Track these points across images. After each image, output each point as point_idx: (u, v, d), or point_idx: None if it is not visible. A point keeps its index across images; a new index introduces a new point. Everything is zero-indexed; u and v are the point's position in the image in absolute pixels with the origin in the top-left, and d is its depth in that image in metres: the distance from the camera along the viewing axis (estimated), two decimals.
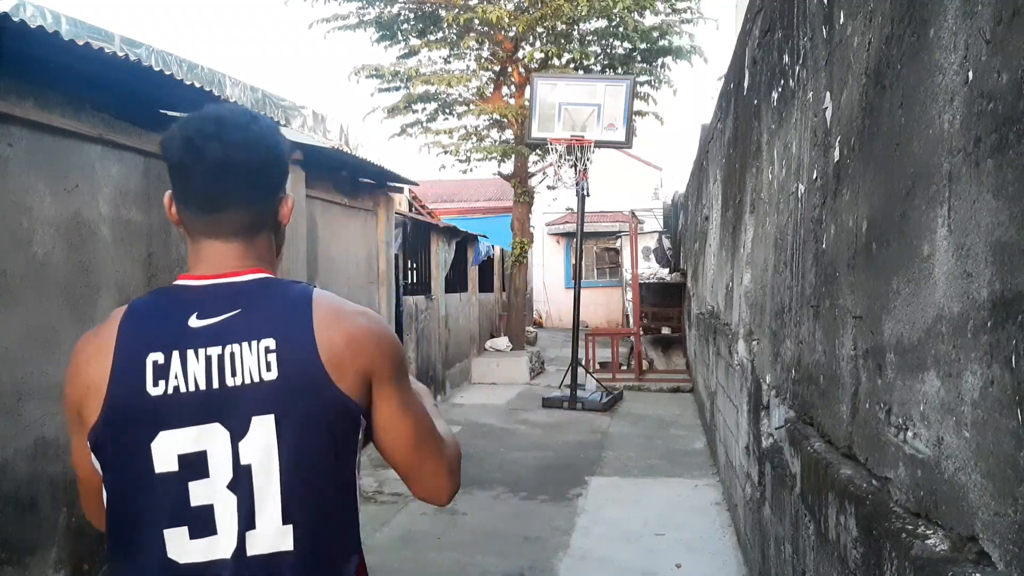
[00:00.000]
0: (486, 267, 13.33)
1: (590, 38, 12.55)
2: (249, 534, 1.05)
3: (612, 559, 4.20)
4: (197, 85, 3.58)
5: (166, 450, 1.05)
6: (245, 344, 1.07)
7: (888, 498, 1.58)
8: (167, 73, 3.36)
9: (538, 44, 12.36)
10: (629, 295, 14.75)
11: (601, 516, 4.94)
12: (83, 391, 1.08)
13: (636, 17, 11.53)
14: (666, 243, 14.36)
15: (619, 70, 12.16)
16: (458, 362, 10.61)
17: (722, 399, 5.27)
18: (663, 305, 12.53)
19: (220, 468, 1.05)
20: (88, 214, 3.23)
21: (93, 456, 1.09)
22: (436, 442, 1.23)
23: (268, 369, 1.06)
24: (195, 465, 1.05)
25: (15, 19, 2.54)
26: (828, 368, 2.13)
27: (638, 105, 12.55)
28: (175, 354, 1.06)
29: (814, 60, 2.34)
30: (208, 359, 1.06)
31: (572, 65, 12.45)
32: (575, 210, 10.00)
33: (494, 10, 10.98)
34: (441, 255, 9.76)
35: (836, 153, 2.06)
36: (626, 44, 12.32)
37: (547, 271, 21.97)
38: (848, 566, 1.75)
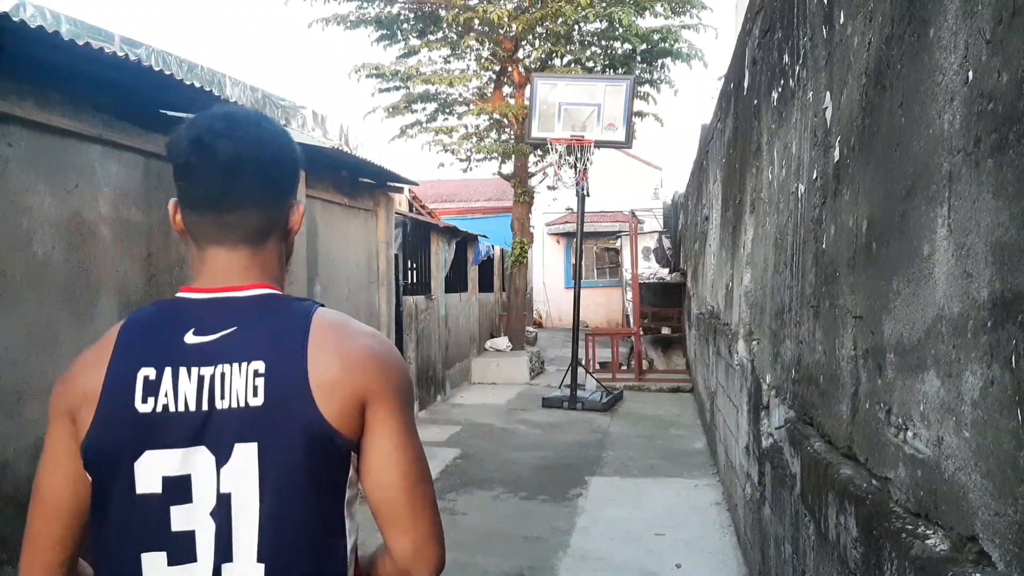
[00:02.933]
0: (486, 267, 13.33)
1: (590, 39, 12.55)
2: (225, 567, 0.98)
3: (612, 559, 4.20)
4: (197, 85, 3.58)
5: (150, 471, 0.99)
6: (236, 365, 1.00)
7: (888, 498, 1.58)
8: (167, 73, 3.36)
9: (538, 44, 12.36)
10: (629, 295, 14.75)
11: (601, 516, 4.94)
12: (79, 398, 1.01)
13: (636, 20, 11.52)
14: (666, 243, 14.36)
15: (619, 70, 12.16)
16: (458, 362, 10.61)
17: (722, 399, 5.26)
18: (663, 305, 12.53)
19: (204, 494, 0.99)
20: (88, 214, 3.23)
21: (86, 471, 1.02)
22: (432, 495, 1.08)
23: (255, 394, 0.99)
24: (179, 488, 0.99)
25: (15, 19, 2.54)
26: (828, 368, 2.13)
27: (638, 106, 12.55)
28: (167, 371, 1.00)
29: (814, 60, 2.34)
30: (200, 379, 0.99)
31: (572, 65, 12.46)
32: (575, 210, 10.00)
33: (494, 10, 10.98)
34: (441, 255, 9.76)
35: (836, 153, 2.06)
36: (626, 45, 12.32)
37: (547, 271, 21.98)
38: (848, 566, 1.75)
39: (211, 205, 1.05)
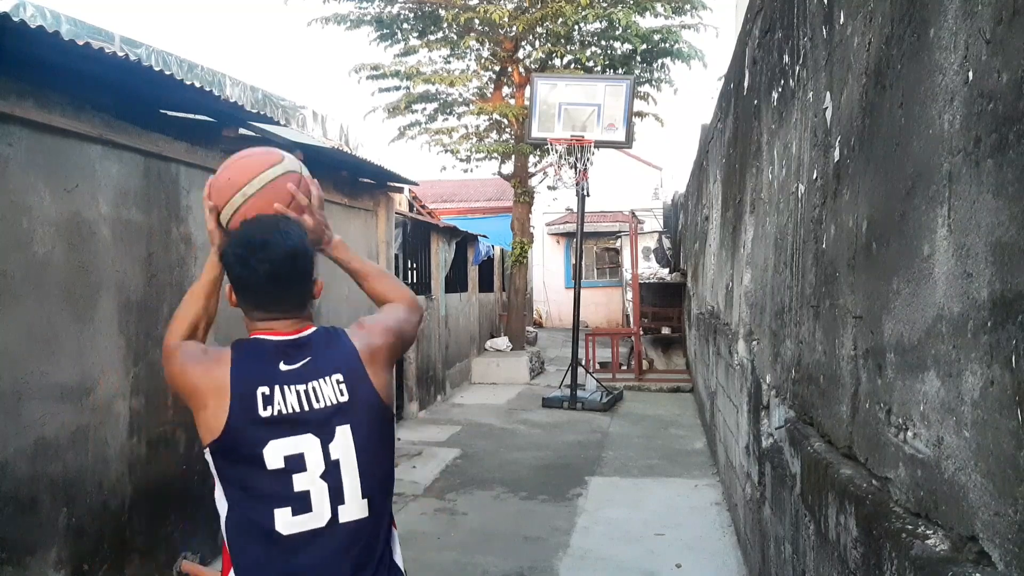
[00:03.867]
0: (486, 267, 13.32)
1: (590, 39, 12.54)
2: (340, 508, 1.49)
3: (612, 559, 4.20)
4: (197, 85, 3.58)
5: (274, 453, 1.46)
6: (322, 380, 1.53)
7: (888, 498, 1.58)
8: (167, 73, 3.35)
9: (538, 44, 12.35)
10: (629, 295, 14.75)
11: (601, 516, 4.94)
12: (215, 379, 1.49)
13: (636, 20, 11.51)
14: (666, 243, 14.35)
15: (619, 70, 12.16)
16: (458, 362, 10.61)
17: (722, 399, 5.26)
18: (663, 305, 12.53)
19: (314, 464, 1.48)
20: (88, 214, 3.23)
21: (210, 455, 1.49)
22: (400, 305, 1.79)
23: (342, 394, 1.54)
24: (296, 462, 1.47)
25: (15, 19, 2.54)
26: (828, 368, 2.13)
27: (638, 106, 12.54)
28: (276, 388, 1.49)
29: (814, 60, 2.34)
30: (298, 392, 1.51)
31: (572, 65, 12.45)
32: (575, 210, 10.00)
33: (494, 10, 10.98)
34: (441, 255, 9.76)
35: (836, 153, 2.06)
36: (626, 45, 12.31)
37: (547, 271, 21.98)
38: (848, 566, 1.75)
39: (261, 306, 1.58)
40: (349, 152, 8.36)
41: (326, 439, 1.50)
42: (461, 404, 9.43)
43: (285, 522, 1.45)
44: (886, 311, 1.61)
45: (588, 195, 9.36)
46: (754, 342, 3.66)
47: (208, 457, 1.50)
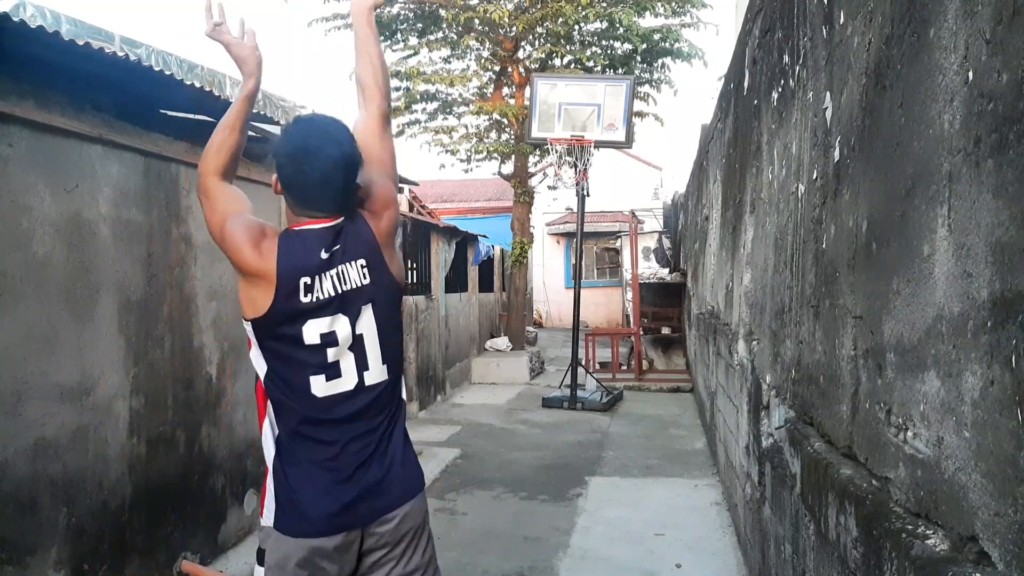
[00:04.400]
0: (486, 267, 13.32)
1: (590, 39, 12.54)
2: (365, 373, 1.79)
3: (612, 559, 4.20)
4: (197, 85, 3.57)
5: (312, 331, 1.73)
6: (349, 264, 1.76)
7: (888, 498, 1.58)
8: (167, 73, 3.35)
9: (538, 44, 12.35)
10: (629, 295, 14.75)
11: (601, 516, 4.94)
12: (263, 266, 1.71)
13: (636, 19, 11.51)
14: (666, 243, 14.35)
15: (619, 70, 12.16)
16: (458, 362, 10.61)
17: (722, 399, 5.26)
18: (663, 305, 12.53)
19: (344, 338, 1.76)
20: (88, 214, 3.23)
21: (251, 327, 1.75)
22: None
23: (365, 278, 1.78)
24: (330, 338, 1.74)
25: (15, 19, 2.54)
26: (828, 368, 2.13)
27: (638, 106, 12.54)
28: (316, 277, 1.73)
29: (814, 60, 2.34)
30: (331, 277, 1.74)
31: (572, 65, 12.45)
32: (575, 210, 9.99)
33: (494, 10, 10.98)
34: (441, 255, 9.76)
35: (836, 153, 2.06)
36: (626, 45, 12.31)
37: (547, 271, 21.98)
38: (848, 566, 1.75)
39: (307, 204, 1.77)
40: None
41: (353, 317, 1.77)
42: (461, 404, 9.43)
43: (320, 387, 1.75)
44: (886, 311, 1.61)
45: (588, 195, 9.36)
46: (754, 342, 3.66)
47: (247, 326, 1.77)
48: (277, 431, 1.78)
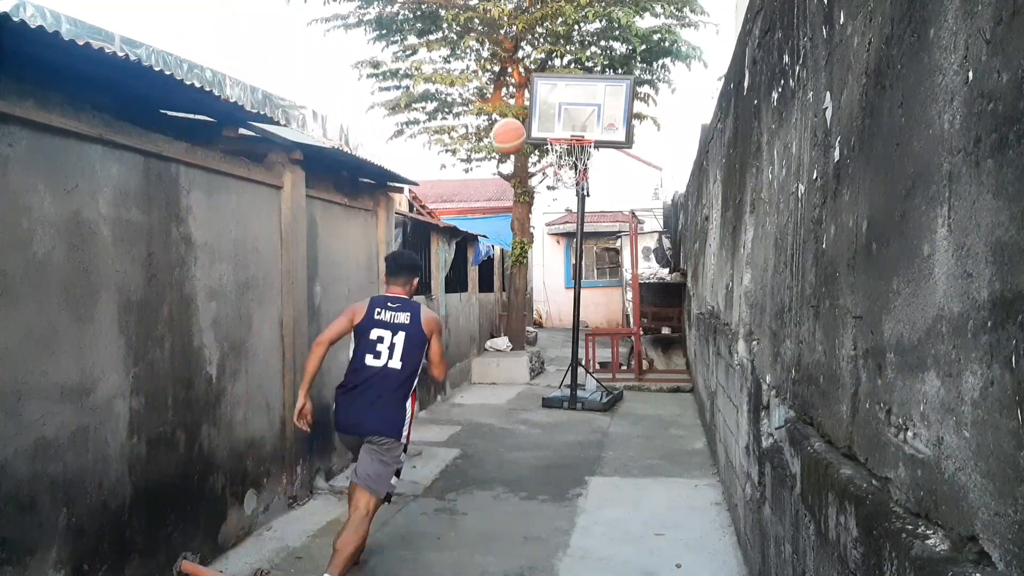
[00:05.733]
0: (486, 267, 13.31)
1: (590, 39, 12.54)
2: (389, 361, 3.79)
3: (612, 559, 4.20)
4: (197, 85, 3.57)
5: (374, 334, 3.84)
6: (398, 314, 3.88)
7: (888, 498, 1.58)
8: (167, 73, 3.35)
9: (538, 44, 12.35)
10: (629, 295, 14.75)
11: (601, 516, 4.94)
12: (358, 313, 3.91)
13: (635, 20, 11.51)
14: (666, 243, 14.35)
15: (619, 70, 12.15)
16: (458, 362, 10.61)
17: (722, 399, 5.26)
18: (663, 305, 12.53)
19: (387, 342, 3.82)
20: (88, 214, 3.23)
21: (353, 331, 3.91)
22: (443, 359, 4.06)
23: (408, 321, 3.87)
24: (382, 339, 3.83)
25: (15, 19, 2.54)
26: (828, 368, 2.13)
27: (638, 107, 12.53)
28: (382, 311, 3.89)
29: (814, 60, 2.34)
30: (389, 314, 3.88)
31: (572, 65, 12.45)
32: (575, 210, 9.99)
33: (494, 9, 10.98)
34: (441, 255, 9.76)
35: (836, 153, 2.06)
36: (626, 45, 12.31)
37: (547, 271, 21.98)
38: (848, 566, 1.75)
39: (390, 279, 4.07)
40: (349, 152, 8.35)
41: (394, 334, 3.82)
42: (461, 404, 9.43)
43: (369, 361, 3.80)
44: (886, 311, 1.61)
45: (588, 195, 9.35)
46: (754, 342, 3.66)
47: (352, 331, 3.89)
48: (343, 379, 3.88)
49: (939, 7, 1.34)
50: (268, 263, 4.84)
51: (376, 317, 3.80)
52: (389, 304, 3.86)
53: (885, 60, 1.64)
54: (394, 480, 3.76)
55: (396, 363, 3.75)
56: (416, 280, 4.04)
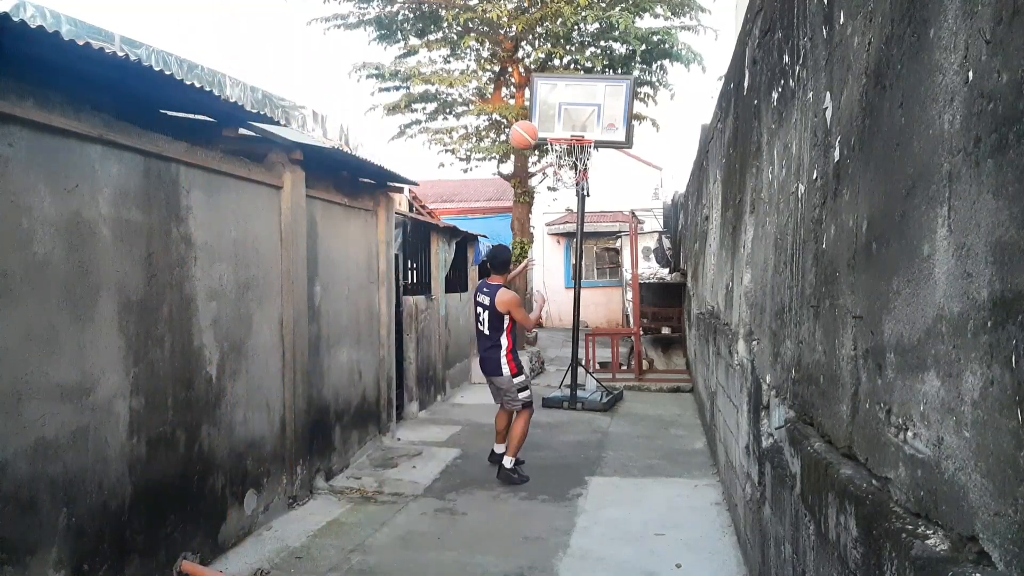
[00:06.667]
0: (486, 267, 13.30)
1: (590, 40, 12.54)
2: (482, 326, 5.94)
3: (612, 559, 4.20)
4: (197, 85, 3.58)
5: (477, 311, 6.01)
6: (486, 296, 5.91)
7: (888, 498, 1.58)
8: (167, 73, 3.35)
9: (538, 44, 12.35)
10: (629, 295, 14.75)
11: (601, 516, 4.94)
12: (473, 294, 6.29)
13: (634, 22, 11.51)
14: (666, 243, 14.35)
15: (618, 71, 12.16)
16: (458, 362, 10.61)
17: (722, 399, 5.27)
18: (663, 305, 12.53)
19: (482, 315, 5.93)
20: (88, 214, 3.23)
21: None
22: (527, 319, 6.16)
23: (489, 300, 5.87)
24: (479, 314, 5.96)
25: (15, 19, 2.54)
26: (828, 368, 2.13)
27: (637, 108, 12.54)
28: (480, 294, 6.00)
29: (814, 60, 2.34)
30: (483, 295, 5.96)
31: (572, 66, 12.45)
32: (575, 210, 9.99)
33: (494, 9, 10.98)
34: (441, 255, 9.76)
35: (836, 153, 2.06)
36: (626, 46, 12.31)
37: (547, 271, 21.98)
38: (848, 566, 1.75)
39: (492, 270, 6.10)
40: (349, 152, 8.35)
41: (483, 309, 5.88)
42: (461, 404, 9.43)
43: (477, 328, 5.99)
44: (886, 311, 1.61)
45: (588, 195, 9.36)
46: (754, 342, 3.66)
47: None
48: None
49: (939, 7, 1.34)
50: (268, 263, 4.84)
51: (476, 299, 5.97)
52: (483, 289, 5.91)
53: (885, 60, 1.64)
54: (523, 395, 5.87)
55: (486, 330, 5.84)
56: (509, 274, 6.13)
